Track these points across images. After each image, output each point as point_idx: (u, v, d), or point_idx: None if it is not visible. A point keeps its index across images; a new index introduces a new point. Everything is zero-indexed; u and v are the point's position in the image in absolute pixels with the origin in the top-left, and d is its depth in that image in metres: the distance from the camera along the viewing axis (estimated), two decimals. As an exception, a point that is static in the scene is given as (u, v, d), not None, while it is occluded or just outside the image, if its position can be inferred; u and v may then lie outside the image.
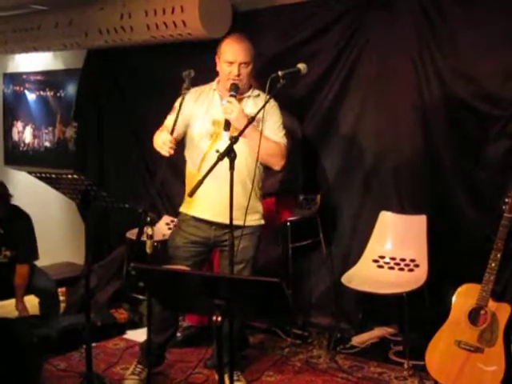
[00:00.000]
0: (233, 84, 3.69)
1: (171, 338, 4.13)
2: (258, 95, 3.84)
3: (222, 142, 3.70)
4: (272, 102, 3.77)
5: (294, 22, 5.15)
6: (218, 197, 3.63)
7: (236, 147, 3.28)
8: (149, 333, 3.49)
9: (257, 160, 3.59)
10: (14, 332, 4.13)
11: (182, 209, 3.96)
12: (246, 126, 3.37)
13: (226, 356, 3.47)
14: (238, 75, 3.70)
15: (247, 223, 3.73)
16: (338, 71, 4.94)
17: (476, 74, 4.35)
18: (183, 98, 3.63)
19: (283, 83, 3.38)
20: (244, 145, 3.61)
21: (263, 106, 3.40)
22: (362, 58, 4.85)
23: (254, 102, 3.81)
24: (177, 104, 3.70)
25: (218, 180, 3.51)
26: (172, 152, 3.55)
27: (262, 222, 3.94)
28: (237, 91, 3.67)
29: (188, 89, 3.60)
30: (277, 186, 4.59)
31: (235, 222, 3.35)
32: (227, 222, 3.39)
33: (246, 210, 3.50)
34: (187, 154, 3.94)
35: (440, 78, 4.49)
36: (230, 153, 3.16)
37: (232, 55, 3.71)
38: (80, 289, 5.37)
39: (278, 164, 3.76)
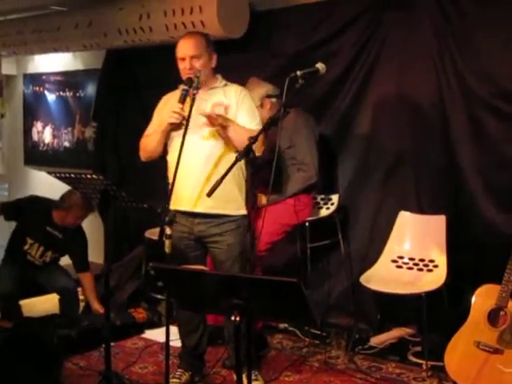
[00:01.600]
0: (186, 78, 3.75)
1: (203, 338, 4.10)
2: (226, 85, 3.88)
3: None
4: (243, 91, 3.87)
5: (312, 21, 5.14)
6: (194, 187, 3.66)
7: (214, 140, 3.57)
8: (167, 333, 3.49)
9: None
10: (36, 331, 4.17)
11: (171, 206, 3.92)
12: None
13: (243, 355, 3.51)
14: (190, 69, 3.76)
15: (226, 212, 3.80)
16: (356, 71, 4.93)
17: (495, 73, 4.32)
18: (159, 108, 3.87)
19: (302, 83, 3.39)
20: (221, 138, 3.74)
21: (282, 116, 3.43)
22: (380, 58, 4.83)
23: (223, 91, 3.85)
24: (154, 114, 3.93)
25: (193, 170, 3.63)
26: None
27: (243, 212, 3.82)
28: (190, 85, 3.70)
29: (197, 88, 3.65)
30: (296, 187, 4.58)
31: (213, 211, 3.68)
32: (207, 211, 3.72)
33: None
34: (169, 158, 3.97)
35: (459, 77, 4.46)
36: (248, 154, 3.17)
37: (180, 51, 3.82)
38: (99, 288, 5.41)
39: (256, 151, 3.67)
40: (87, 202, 4.89)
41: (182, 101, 3.68)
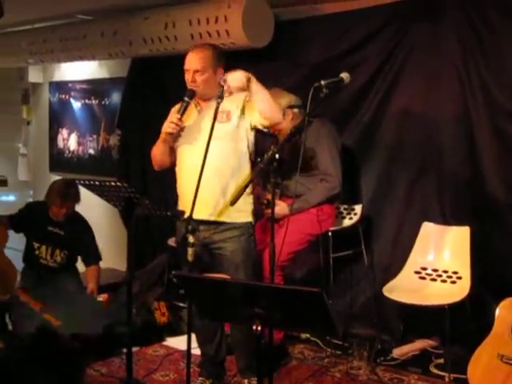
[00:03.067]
0: (189, 90, 3.84)
1: (222, 345, 4.11)
2: (231, 93, 3.83)
3: None
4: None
5: (337, 31, 5.14)
6: (201, 195, 3.61)
7: (220, 146, 3.62)
8: (189, 341, 3.49)
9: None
10: (58, 337, 4.19)
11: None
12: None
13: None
14: (193, 81, 3.83)
15: (228, 219, 3.83)
16: (380, 81, 4.92)
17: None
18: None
19: (326, 93, 3.38)
20: (228, 144, 3.80)
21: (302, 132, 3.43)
22: (405, 69, 4.81)
23: (228, 100, 3.78)
24: None
25: (195, 177, 3.60)
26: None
27: (249, 219, 3.93)
28: (190, 97, 3.81)
29: (221, 98, 3.66)
30: (319, 197, 4.58)
31: (211, 218, 3.75)
32: (210, 218, 3.77)
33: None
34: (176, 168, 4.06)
35: (485, 89, 4.44)
36: (272, 162, 3.17)
37: (186, 63, 3.89)
38: (122, 295, 5.42)
39: (277, 120, 3.81)
40: (64, 190, 4.96)
41: (182, 112, 3.77)
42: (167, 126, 3.81)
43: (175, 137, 3.88)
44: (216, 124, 3.68)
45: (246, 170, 3.90)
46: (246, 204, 3.89)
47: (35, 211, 5.24)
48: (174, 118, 3.79)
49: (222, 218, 3.82)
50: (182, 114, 3.78)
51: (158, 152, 3.99)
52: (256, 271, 4.02)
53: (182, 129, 3.82)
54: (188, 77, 3.86)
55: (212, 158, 3.65)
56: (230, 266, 3.85)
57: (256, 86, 3.72)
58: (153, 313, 5.17)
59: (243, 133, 3.86)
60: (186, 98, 3.79)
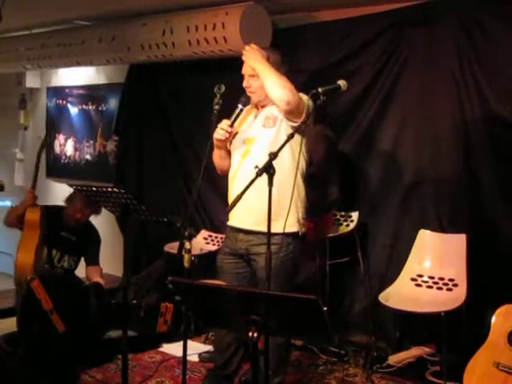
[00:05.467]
0: (244, 95, 3.75)
1: (233, 359, 3.95)
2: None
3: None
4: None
5: (334, 39, 5.15)
6: (244, 203, 3.51)
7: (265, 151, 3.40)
8: (185, 348, 3.48)
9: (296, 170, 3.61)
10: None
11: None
12: None
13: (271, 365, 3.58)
14: (248, 86, 3.76)
15: (265, 229, 3.61)
16: (378, 88, 4.93)
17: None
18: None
19: (323, 100, 3.38)
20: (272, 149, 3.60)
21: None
22: (402, 75, 4.83)
23: (274, 105, 3.70)
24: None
25: (236, 184, 3.65)
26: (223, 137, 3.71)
27: (294, 229, 3.69)
28: (244, 104, 3.72)
29: (218, 104, 3.64)
30: (317, 204, 4.57)
31: (257, 228, 3.60)
32: (254, 228, 3.64)
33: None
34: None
35: (481, 95, 4.45)
36: (269, 169, 3.16)
37: (243, 68, 3.80)
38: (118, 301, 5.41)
39: (286, 98, 3.54)
40: (88, 199, 4.94)
41: (233, 119, 3.70)
42: (216, 132, 3.73)
43: (226, 142, 3.81)
44: (263, 129, 3.68)
45: (290, 178, 3.65)
46: (291, 212, 3.61)
47: (51, 214, 5.23)
48: (225, 124, 3.70)
49: (259, 228, 3.62)
50: (234, 121, 3.69)
51: (214, 157, 3.93)
52: (291, 285, 3.78)
53: (234, 134, 3.73)
54: (244, 82, 3.77)
55: (246, 164, 3.67)
56: (259, 280, 3.73)
57: (263, 69, 3.63)
58: (157, 318, 5.12)
59: (284, 137, 3.56)
60: (239, 105, 3.69)
